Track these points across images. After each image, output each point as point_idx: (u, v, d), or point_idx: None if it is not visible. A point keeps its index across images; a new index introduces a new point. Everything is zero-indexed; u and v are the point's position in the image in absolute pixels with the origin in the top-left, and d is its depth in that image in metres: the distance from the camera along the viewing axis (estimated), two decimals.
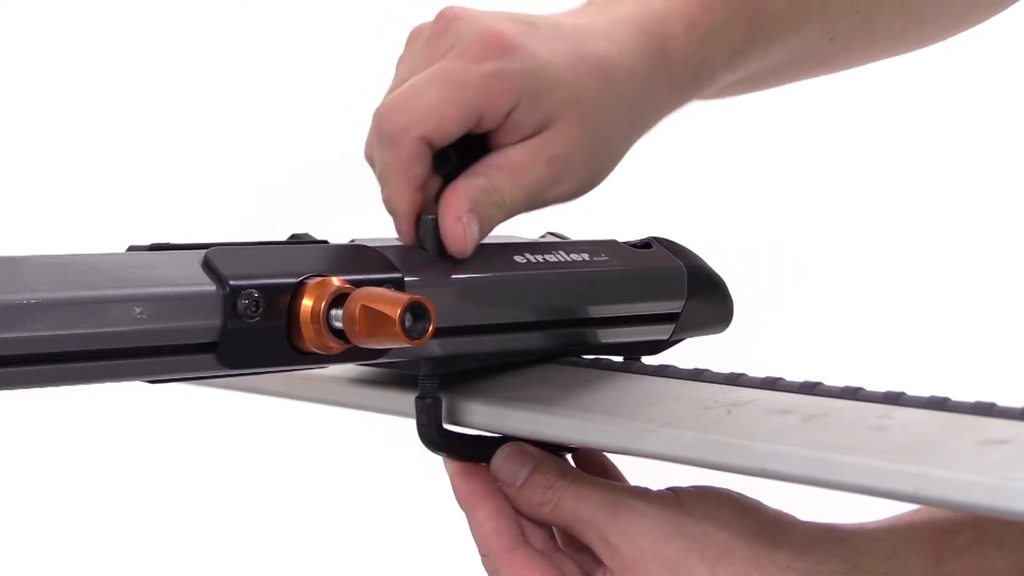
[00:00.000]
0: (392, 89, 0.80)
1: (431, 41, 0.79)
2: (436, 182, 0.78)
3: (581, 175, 0.79)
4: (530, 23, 0.78)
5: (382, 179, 0.77)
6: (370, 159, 0.79)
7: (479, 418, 0.77)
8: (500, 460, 0.78)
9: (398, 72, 0.81)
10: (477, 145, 0.78)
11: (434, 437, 0.77)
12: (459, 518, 0.79)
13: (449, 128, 0.75)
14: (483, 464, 0.79)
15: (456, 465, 0.79)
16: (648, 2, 0.82)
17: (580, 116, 0.78)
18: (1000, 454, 0.60)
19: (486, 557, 0.78)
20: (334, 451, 2.12)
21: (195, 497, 2.13)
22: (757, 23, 0.85)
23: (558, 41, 0.78)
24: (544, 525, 0.78)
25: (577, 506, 0.75)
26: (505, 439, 0.79)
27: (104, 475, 2.12)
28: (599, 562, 0.75)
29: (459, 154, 0.78)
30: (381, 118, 0.76)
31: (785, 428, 0.67)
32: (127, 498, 2.12)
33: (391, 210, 0.77)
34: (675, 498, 0.74)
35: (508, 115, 0.76)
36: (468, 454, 0.78)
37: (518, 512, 0.78)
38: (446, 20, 0.78)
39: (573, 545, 0.78)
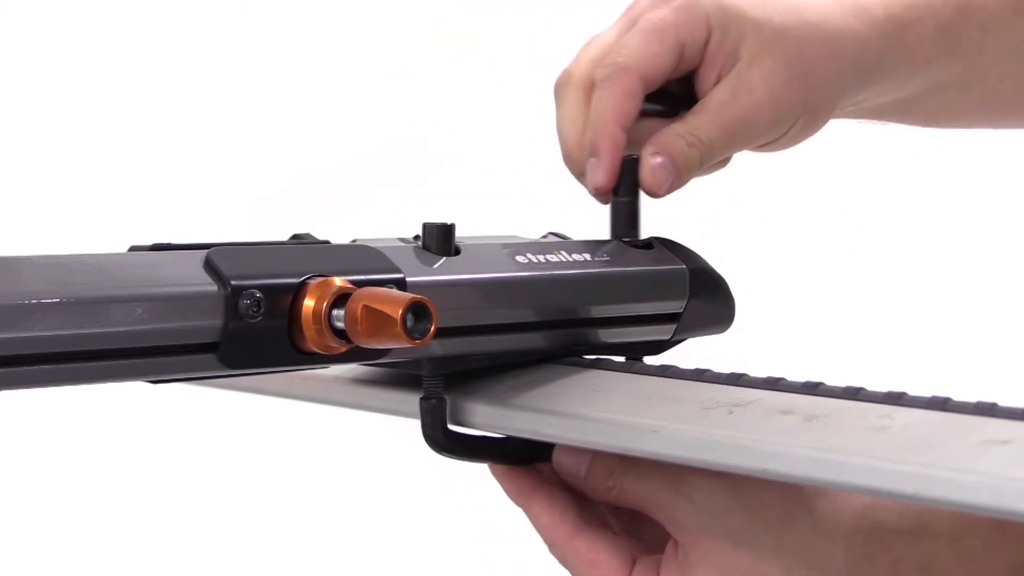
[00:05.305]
0: (583, 55, 0.87)
1: (623, 17, 0.86)
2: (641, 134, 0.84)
3: (783, 105, 0.84)
4: None
5: (593, 121, 0.83)
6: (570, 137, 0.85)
7: (480, 418, 0.77)
8: (560, 456, 0.79)
9: (591, 44, 0.88)
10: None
11: (439, 438, 0.77)
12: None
13: (660, 62, 0.82)
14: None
15: (499, 468, 0.80)
16: None
17: (768, 44, 0.83)
18: (1001, 454, 0.60)
19: (552, 546, 0.79)
20: (336, 452, 2.12)
21: (196, 497, 2.13)
22: (963, 9, 0.90)
23: None
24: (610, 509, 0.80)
25: (639, 488, 0.76)
26: (509, 439, 0.79)
27: (104, 475, 2.12)
28: (668, 536, 0.76)
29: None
30: (600, 66, 0.83)
31: (787, 428, 0.67)
32: (127, 498, 2.12)
33: (595, 149, 0.82)
34: None
35: (706, 46, 0.83)
36: (472, 455, 0.78)
37: (588, 498, 0.79)
38: (634, 0, 0.87)
39: (643, 521, 0.79)
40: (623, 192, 0.84)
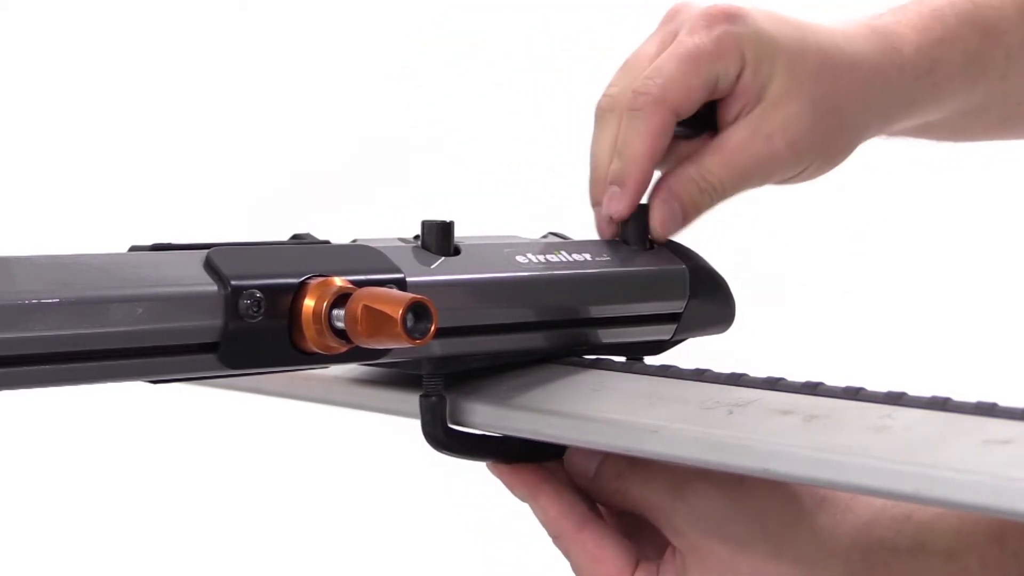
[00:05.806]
0: (624, 77, 0.85)
1: (661, 31, 0.84)
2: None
3: (801, 152, 0.83)
4: (751, 6, 0.84)
5: (622, 153, 0.81)
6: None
7: (481, 418, 0.77)
8: (571, 455, 0.79)
9: (632, 63, 0.86)
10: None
11: (439, 436, 0.77)
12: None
13: (695, 95, 0.81)
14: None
15: (499, 466, 0.80)
16: (880, 16, 0.88)
17: (797, 86, 0.82)
18: (1002, 454, 0.60)
19: (557, 538, 0.79)
20: (336, 451, 2.12)
21: (196, 497, 2.13)
22: (991, 36, 0.89)
23: (779, 22, 0.83)
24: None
25: (644, 492, 0.76)
26: (508, 439, 0.79)
27: (104, 475, 2.12)
28: (668, 543, 0.76)
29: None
30: (633, 92, 0.81)
31: (787, 428, 0.67)
32: (127, 498, 2.12)
33: (622, 180, 0.81)
34: (736, 477, 0.74)
35: (738, 79, 0.81)
36: (472, 453, 0.78)
37: (596, 500, 0.79)
38: (672, 11, 0.85)
39: (645, 527, 0.79)
40: (633, 238, 0.83)
